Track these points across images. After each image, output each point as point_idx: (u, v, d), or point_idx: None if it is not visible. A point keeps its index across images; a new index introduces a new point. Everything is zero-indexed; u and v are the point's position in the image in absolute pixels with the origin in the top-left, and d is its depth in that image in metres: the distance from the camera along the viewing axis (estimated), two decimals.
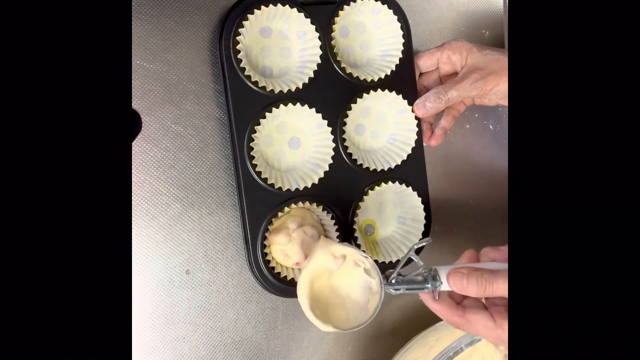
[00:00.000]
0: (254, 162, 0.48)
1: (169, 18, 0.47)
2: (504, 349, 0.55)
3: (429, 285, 0.42)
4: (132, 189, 0.46)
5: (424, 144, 0.57)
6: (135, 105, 0.46)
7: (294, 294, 0.51)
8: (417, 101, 0.55)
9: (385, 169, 0.54)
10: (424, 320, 0.58)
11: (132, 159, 0.46)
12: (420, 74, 0.58)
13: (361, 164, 0.53)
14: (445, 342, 0.51)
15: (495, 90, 0.53)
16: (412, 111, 0.54)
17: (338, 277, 0.44)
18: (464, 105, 0.58)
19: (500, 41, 0.64)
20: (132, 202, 0.46)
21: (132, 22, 0.45)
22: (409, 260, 0.43)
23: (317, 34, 0.50)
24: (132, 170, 0.46)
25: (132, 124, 0.46)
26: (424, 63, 0.57)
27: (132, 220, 0.46)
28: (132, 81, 0.46)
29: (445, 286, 0.42)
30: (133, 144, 0.46)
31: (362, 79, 0.52)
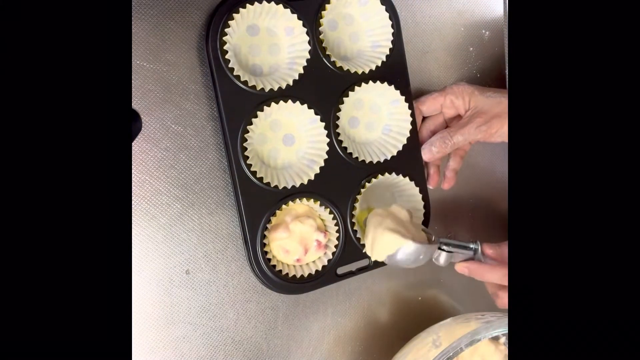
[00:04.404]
0: (248, 161, 0.48)
1: (169, 18, 0.47)
2: (504, 349, 0.55)
3: (472, 246, 0.52)
4: (132, 189, 0.46)
5: (429, 187, 0.58)
6: (135, 105, 0.46)
7: (295, 291, 0.51)
8: (423, 145, 0.56)
9: (382, 161, 0.54)
10: (424, 320, 0.58)
11: (132, 159, 0.46)
12: (424, 117, 0.58)
13: (357, 157, 0.53)
14: (445, 342, 0.51)
15: (500, 133, 0.55)
16: (421, 153, 0.56)
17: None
18: (470, 145, 0.59)
19: (500, 41, 0.64)
20: (132, 202, 0.46)
21: (132, 22, 0.45)
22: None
23: (305, 29, 0.50)
24: (132, 170, 0.46)
25: (132, 124, 0.46)
26: (428, 108, 0.57)
27: (132, 220, 0.46)
28: (132, 81, 0.46)
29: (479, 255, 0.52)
30: (133, 144, 0.46)
31: (353, 71, 0.52)
